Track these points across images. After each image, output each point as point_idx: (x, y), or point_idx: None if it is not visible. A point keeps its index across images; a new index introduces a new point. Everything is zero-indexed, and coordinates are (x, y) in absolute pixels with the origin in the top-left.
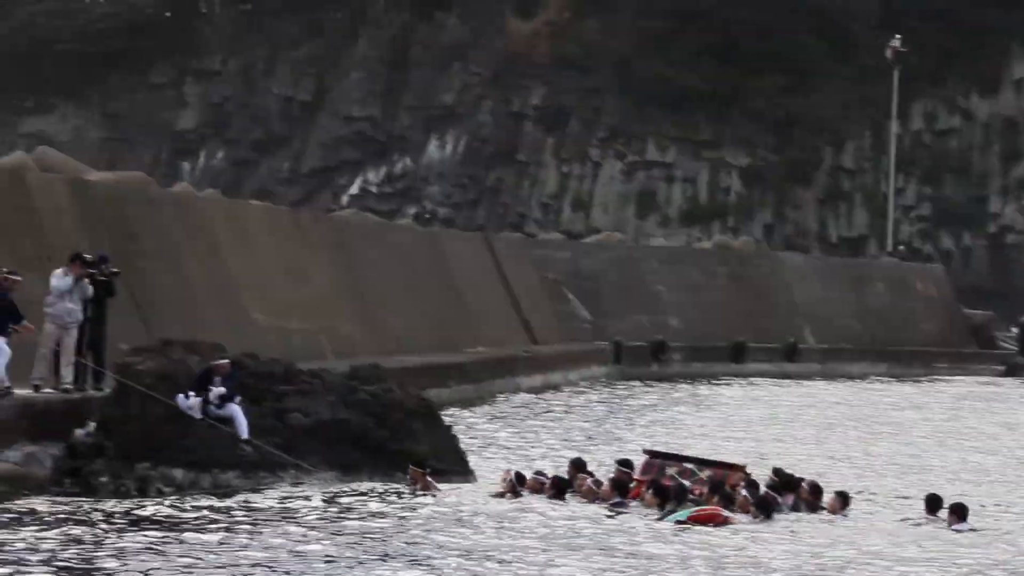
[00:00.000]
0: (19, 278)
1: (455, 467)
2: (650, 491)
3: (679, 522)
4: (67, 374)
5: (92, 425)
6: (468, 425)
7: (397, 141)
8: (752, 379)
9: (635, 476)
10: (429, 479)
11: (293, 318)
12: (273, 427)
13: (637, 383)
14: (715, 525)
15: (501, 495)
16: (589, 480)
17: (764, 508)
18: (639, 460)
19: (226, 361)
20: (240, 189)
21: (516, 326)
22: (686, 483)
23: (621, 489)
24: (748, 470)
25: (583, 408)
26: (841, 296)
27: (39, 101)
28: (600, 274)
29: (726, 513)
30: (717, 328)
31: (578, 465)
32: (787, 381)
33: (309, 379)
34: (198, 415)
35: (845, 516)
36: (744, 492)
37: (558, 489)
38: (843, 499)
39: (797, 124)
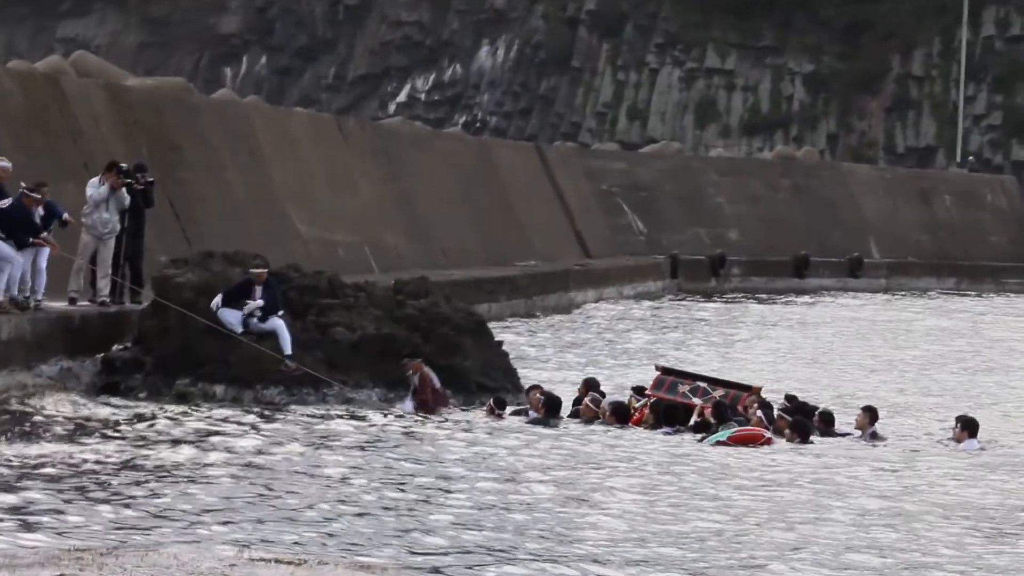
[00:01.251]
0: (38, 196)
1: (505, 384)
2: (652, 413)
3: (720, 442)
4: (103, 287)
5: (130, 339)
6: (518, 341)
7: (446, 47)
8: (815, 294)
9: (646, 391)
10: (428, 370)
11: (338, 230)
12: (316, 342)
13: (694, 298)
14: (756, 445)
15: (522, 412)
16: (587, 399)
17: (801, 431)
18: (651, 376)
19: (263, 270)
20: (284, 97)
21: (569, 239)
22: (697, 401)
23: (621, 416)
24: (763, 393)
25: (636, 325)
26: (908, 209)
27: (76, 4)
28: (656, 185)
29: (768, 434)
30: (779, 242)
31: (590, 384)
32: (850, 297)
33: (354, 293)
34: (239, 329)
35: (874, 435)
36: (759, 414)
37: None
38: (870, 415)
39: (864, 30)
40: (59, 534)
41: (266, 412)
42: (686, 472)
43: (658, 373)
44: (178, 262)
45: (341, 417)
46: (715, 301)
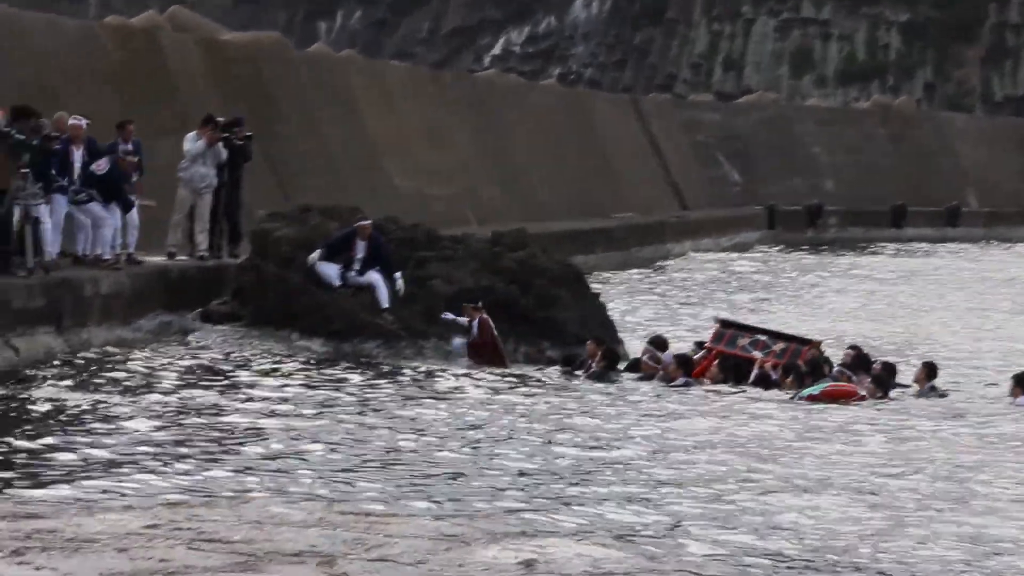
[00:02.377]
0: (135, 159)
1: (603, 337)
2: (714, 365)
3: (811, 396)
4: (201, 241)
5: (228, 293)
6: (615, 293)
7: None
8: (911, 244)
9: (706, 344)
10: (489, 322)
11: (434, 183)
12: (414, 295)
13: (791, 249)
14: (847, 402)
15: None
16: (646, 355)
17: (882, 385)
18: (710, 329)
19: (368, 222)
20: (379, 50)
21: (665, 190)
22: (757, 354)
23: (686, 366)
24: (823, 347)
25: (732, 276)
26: (1006, 157)
27: None
28: (752, 136)
29: (862, 391)
30: (876, 191)
31: (657, 342)
32: (947, 246)
33: (451, 245)
34: (337, 282)
35: (932, 390)
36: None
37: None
38: (929, 370)
39: None
40: (149, 486)
41: (361, 365)
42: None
43: (717, 325)
44: (276, 216)
45: (431, 372)
46: (811, 251)
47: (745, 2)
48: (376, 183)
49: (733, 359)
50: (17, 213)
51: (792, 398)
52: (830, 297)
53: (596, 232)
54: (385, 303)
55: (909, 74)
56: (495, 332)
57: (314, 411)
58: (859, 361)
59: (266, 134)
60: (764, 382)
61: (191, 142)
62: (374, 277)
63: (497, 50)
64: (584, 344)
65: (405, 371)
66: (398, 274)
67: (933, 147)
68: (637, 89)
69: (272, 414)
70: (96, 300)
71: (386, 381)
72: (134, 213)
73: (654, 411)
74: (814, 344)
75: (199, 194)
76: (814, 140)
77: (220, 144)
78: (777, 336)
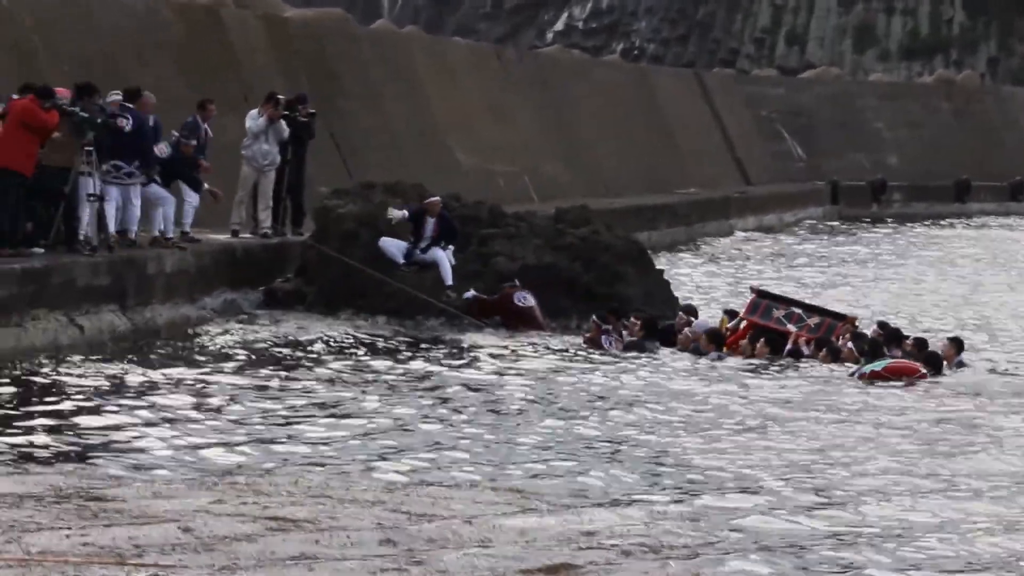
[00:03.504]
0: (192, 143)
1: (668, 314)
2: (761, 341)
3: (874, 372)
4: (265, 218)
5: (292, 271)
6: (680, 269)
7: None
8: (976, 219)
9: (741, 314)
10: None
11: (497, 159)
12: (478, 272)
13: (855, 224)
14: (909, 379)
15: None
16: (686, 329)
17: (934, 363)
18: (746, 299)
19: (437, 199)
20: (441, 26)
21: (729, 166)
22: (791, 327)
23: (716, 341)
24: (857, 322)
25: (796, 251)
26: None
27: None
28: (816, 111)
29: (924, 369)
30: (940, 166)
31: (689, 311)
32: (1012, 220)
33: (515, 222)
34: (400, 259)
35: (958, 365)
36: (850, 344)
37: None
38: (957, 346)
39: None
40: (214, 462)
41: (422, 342)
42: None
43: (753, 296)
44: (339, 193)
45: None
46: (875, 226)
47: None
48: (439, 160)
49: (766, 331)
50: (92, 188)
51: (852, 374)
52: (890, 272)
53: (660, 208)
54: (449, 280)
55: (972, 48)
56: (533, 307)
57: (372, 390)
58: (890, 337)
59: (329, 111)
60: (796, 356)
61: (253, 119)
62: (439, 254)
63: (560, 26)
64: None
65: (463, 346)
66: (450, 248)
67: (997, 122)
68: (700, 64)
69: (330, 392)
70: (160, 278)
71: (444, 357)
72: (193, 195)
73: (685, 390)
74: (850, 319)
75: (262, 172)
76: (877, 115)
77: (282, 121)
78: (812, 309)
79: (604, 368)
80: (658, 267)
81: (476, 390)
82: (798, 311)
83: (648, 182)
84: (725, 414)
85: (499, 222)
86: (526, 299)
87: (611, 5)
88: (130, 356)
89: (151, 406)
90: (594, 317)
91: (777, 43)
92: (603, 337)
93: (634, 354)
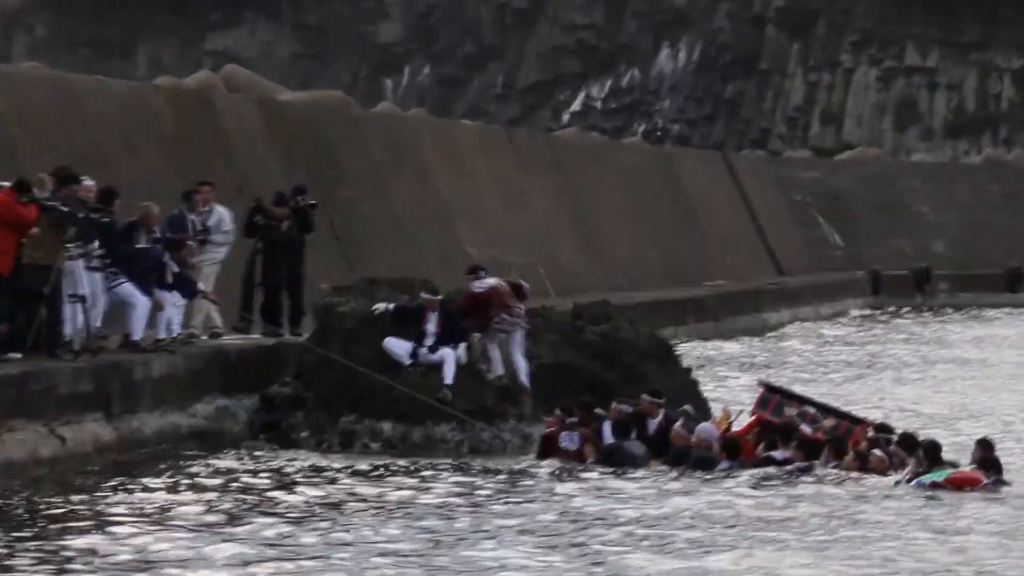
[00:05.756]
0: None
1: (697, 415)
2: (795, 445)
3: (934, 484)
4: (216, 316)
5: (290, 374)
6: (709, 367)
7: (623, 51)
8: None
9: (751, 410)
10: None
11: (511, 249)
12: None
13: (898, 316)
14: (972, 490)
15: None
16: (678, 424)
17: (995, 467)
18: (754, 394)
19: (435, 296)
20: (449, 109)
21: (760, 255)
22: (807, 428)
23: (731, 450)
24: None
25: (834, 348)
26: None
27: (225, 15)
28: (854, 195)
29: (985, 479)
30: (989, 253)
31: (655, 394)
32: None
33: (529, 318)
34: (407, 361)
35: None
36: (879, 452)
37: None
38: (985, 448)
39: None
40: None
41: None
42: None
43: (762, 390)
44: (340, 289)
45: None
46: (919, 319)
47: (844, 50)
48: (449, 251)
49: (777, 428)
50: (76, 287)
51: (908, 482)
52: (934, 371)
53: (686, 301)
54: (449, 379)
55: (1023, 125)
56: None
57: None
58: (907, 441)
59: (329, 200)
60: (810, 449)
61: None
62: (446, 353)
63: (577, 106)
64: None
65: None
66: (462, 345)
67: None
68: (728, 145)
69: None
70: (148, 384)
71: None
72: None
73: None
74: (868, 424)
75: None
76: (921, 198)
77: (218, 208)
78: (827, 410)
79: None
80: (685, 365)
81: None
82: (812, 410)
83: (673, 273)
84: None
85: None
86: (573, 440)
87: (632, 84)
88: (107, 482)
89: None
90: (557, 409)
91: (811, 122)
92: (563, 435)
93: (610, 469)
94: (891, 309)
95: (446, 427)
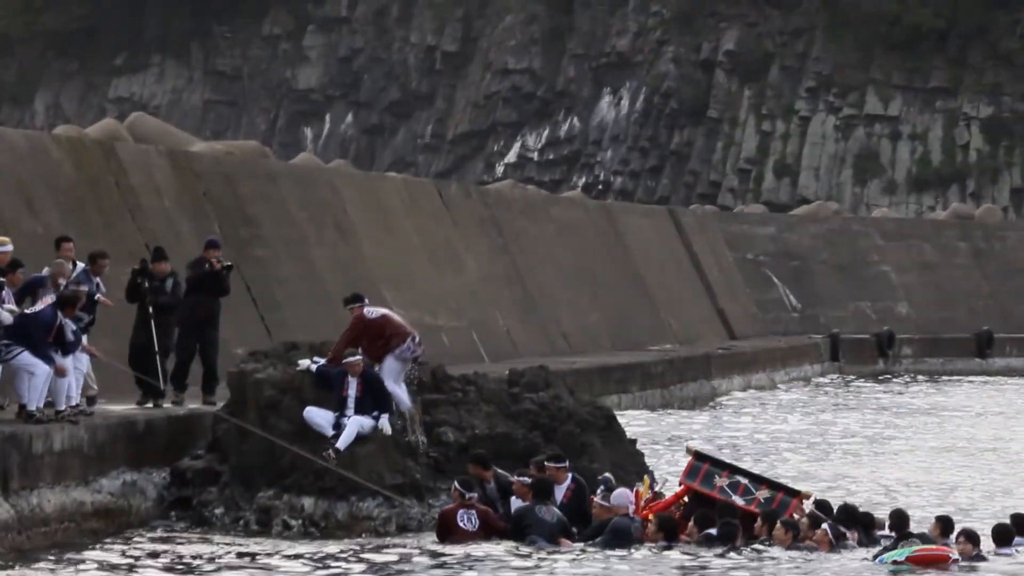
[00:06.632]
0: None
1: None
2: (763, 522)
3: (896, 562)
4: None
5: (202, 446)
6: (655, 439)
7: (562, 98)
8: (1000, 377)
9: (680, 479)
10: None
11: (441, 313)
12: (419, 444)
13: (858, 384)
14: (939, 568)
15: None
16: (597, 497)
17: (976, 541)
18: (682, 462)
19: (358, 359)
20: (374, 160)
21: (710, 317)
22: (738, 500)
23: (668, 530)
24: (812, 500)
25: (787, 420)
26: None
27: (130, 58)
28: (811, 253)
29: (954, 555)
30: (957, 316)
31: (556, 459)
32: None
33: (462, 386)
34: (330, 432)
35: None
36: (825, 527)
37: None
38: (944, 524)
39: None
40: None
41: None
42: None
43: (691, 458)
44: (257, 355)
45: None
46: (878, 390)
47: (800, 96)
48: None
49: (707, 500)
50: None
51: (874, 558)
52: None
53: (630, 368)
54: (343, 444)
55: (993, 178)
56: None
57: None
58: (848, 516)
59: (245, 259)
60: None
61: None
62: (354, 420)
63: (512, 157)
64: None
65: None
66: (384, 417)
67: (1023, 263)
68: (675, 199)
69: None
70: (48, 457)
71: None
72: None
73: None
74: (803, 495)
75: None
76: (883, 257)
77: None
78: (761, 481)
79: None
80: (629, 437)
81: None
82: (744, 481)
83: (617, 337)
84: None
85: (444, 386)
86: (472, 521)
87: (571, 133)
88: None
89: None
90: (456, 483)
91: (765, 174)
92: (460, 512)
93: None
94: (851, 377)
95: (372, 503)
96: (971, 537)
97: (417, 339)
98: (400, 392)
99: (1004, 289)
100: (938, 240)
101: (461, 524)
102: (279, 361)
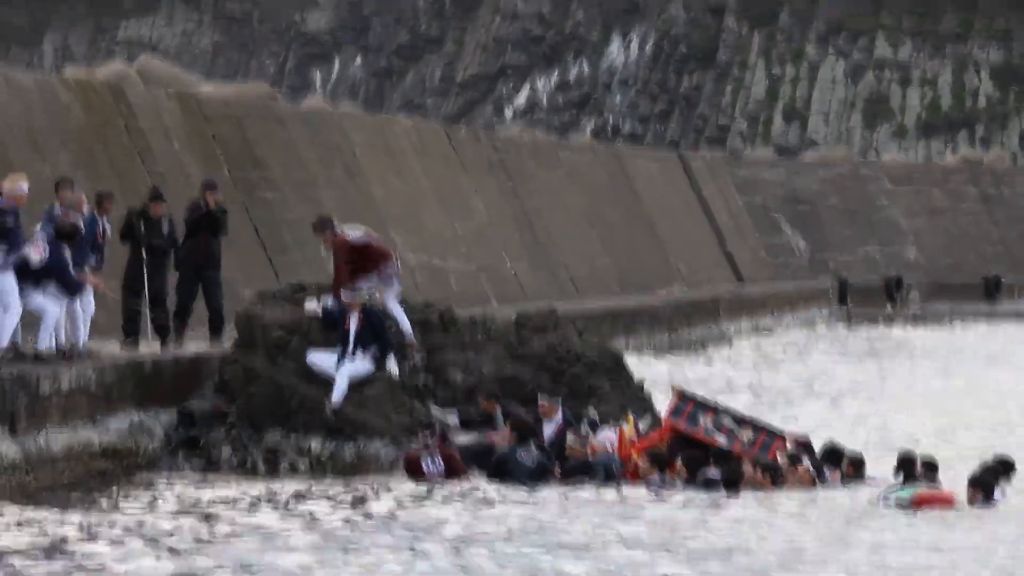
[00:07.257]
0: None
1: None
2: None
3: (899, 504)
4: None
5: (210, 387)
6: (662, 381)
7: (571, 42)
8: (1007, 320)
9: (663, 417)
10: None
11: (450, 256)
12: (428, 387)
13: (866, 327)
14: (944, 509)
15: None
16: (587, 439)
17: (986, 488)
18: (667, 399)
19: (359, 293)
20: (383, 103)
21: (719, 261)
22: (720, 439)
23: (661, 465)
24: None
25: (797, 362)
26: None
27: (141, 0)
28: (820, 198)
29: (959, 497)
30: (965, 260)
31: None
32: None
33: (469, 328)
34: (335, 373)
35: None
36: (808, 465)
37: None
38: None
39: None
40: None
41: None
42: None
43: (675, 397)
44: (265, 297)
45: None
46: (884, 333)
47: (809, 42)
48: None
49: (691, 441)
50: None
51: (881, 497)
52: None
53: (638, 311)
54: (337, 397)
55: (1002, 123)
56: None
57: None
58: (831, 455)
59: (253, 201)
60: (727, 461)
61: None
62: (344, 368)
63: (521, 101)
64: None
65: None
66: (390, 356)
67: None
68: (684, 144)
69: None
70: (56, 398)
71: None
72: (84, 303)
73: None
74: (788, 436)
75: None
76: (892, 202)
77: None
78: (744, 422)
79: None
80: (637, 379)
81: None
82: (727, 421)
83: (625, 280)
84: None
85: (451, 328)
86: (436, 464)
87: (580, 77)
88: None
89: None
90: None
91: (774, 119)
92: (424, 456)
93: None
94: (858, 320)
95: (379, 443)
96: (976, 483)
97: (394, 257)
98: (399, 312)
99: (1012, 234)
100: (947, 185)
101: (426, 468)
102: (287, 302)
